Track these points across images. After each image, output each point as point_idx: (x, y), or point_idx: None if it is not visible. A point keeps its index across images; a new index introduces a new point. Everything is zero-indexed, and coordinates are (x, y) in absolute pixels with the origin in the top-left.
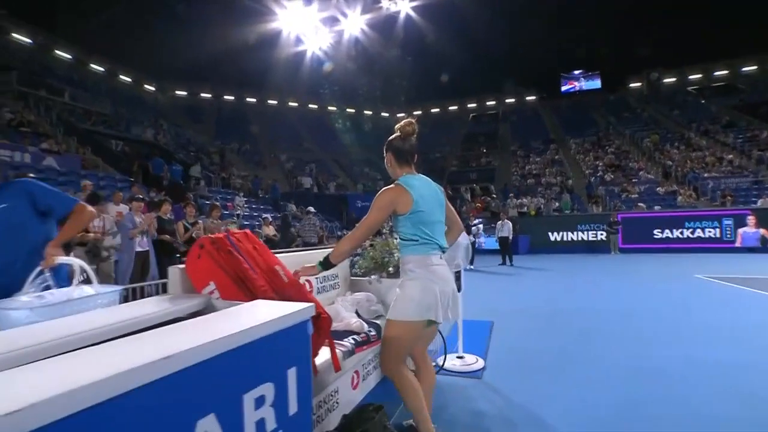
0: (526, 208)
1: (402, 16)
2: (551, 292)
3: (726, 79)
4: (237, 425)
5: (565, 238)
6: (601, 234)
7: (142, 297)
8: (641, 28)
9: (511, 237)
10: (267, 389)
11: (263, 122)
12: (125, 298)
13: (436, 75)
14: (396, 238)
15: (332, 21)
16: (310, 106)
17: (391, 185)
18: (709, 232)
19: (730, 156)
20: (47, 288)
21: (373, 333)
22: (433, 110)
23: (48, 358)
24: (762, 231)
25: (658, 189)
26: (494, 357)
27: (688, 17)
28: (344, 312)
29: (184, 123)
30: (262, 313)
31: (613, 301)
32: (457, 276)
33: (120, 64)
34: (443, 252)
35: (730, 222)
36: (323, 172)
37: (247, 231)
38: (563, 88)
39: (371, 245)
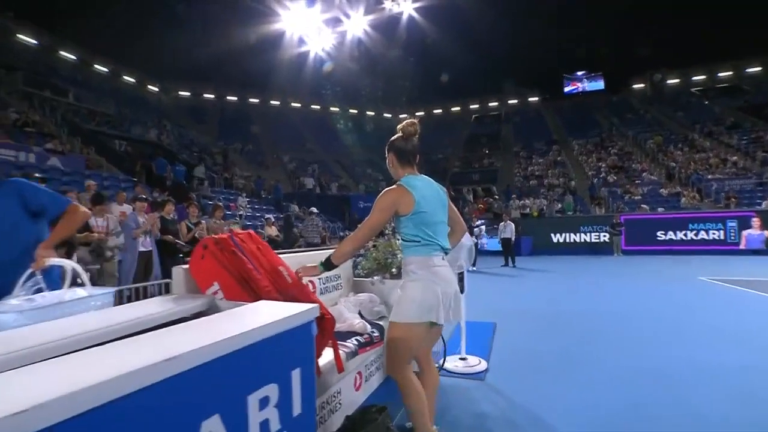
0: (528, 209)
1: (405, 17)
2: (554, 294)
3: (730, 80)
4: (241, 426)
5: (567, 240)
6: (604, 235)
7: (145, 297)
8: (644, 29)
9: (513, 238)
10: (271, 390)
11: (266, 123)
12: (128, 298)
13: (438, 76)
14: (398, 239)
15: (335, 22)
16: (313, 106)
17: (393, 186)
18: (713, 234)
19: (735, 157)
20: (39, 291)
21: (376, 334)
22: (435, 111)
23: (52, 358)
24: (767, 233)
25: (661, 190)
26: (497, 358)
27: (693, 18)
28: (347, 313)
29: (187, 123)
30: (267, 314)
31: (616, 302)
32: (460, 277)
33: (124, 64)
34: (446, 253)
35: (734, 224)
36: (326, 173)
37: (251, 231)
38: (566, 89)
39: (374, 246)
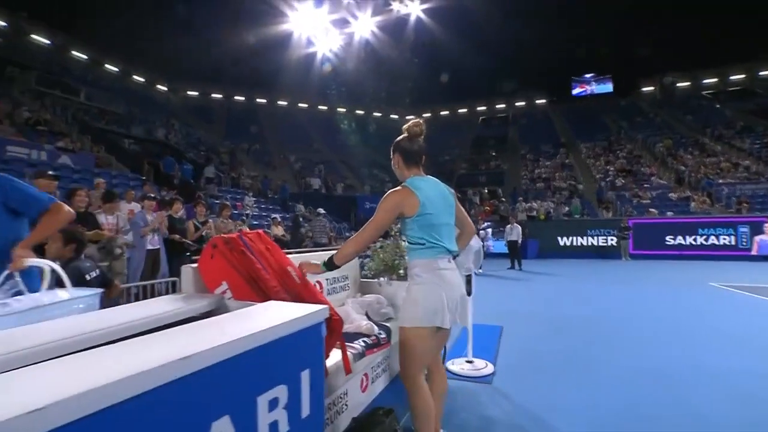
0: (535, 212)
1: (412, 18)
2: (561, 297)
3: (742, 83)
4: (251, 428)
5: (574, 243)
6: (612, 239)
7: (153, 294)
8: (654, 32)
9: (520, 241)
10: (281, 391)
11: (273, 123)
12: (136, 296)
13: (445, 77)
14: (404, 241)
15: (343, 23)
16: (320, 107)
17: (398, 187)
18: (724, 239)
19: (747, 162)
20: (18, 293)
21: (383, 335)
22: (442, 113)
23: (64, 356)
24: None
25: (670, 195)
26: (504, 362)
27: (704, 21)
28: (354, 314)
29: (195, 123)
30: (277, 315)
31: (624, 306)
32: (468, 280)
33: (133, 64)
34: (454, 256)
35: (745, 229)
36: (332, 173)
37: (260, 231)
38: (574, 92)
39: (381, 247)
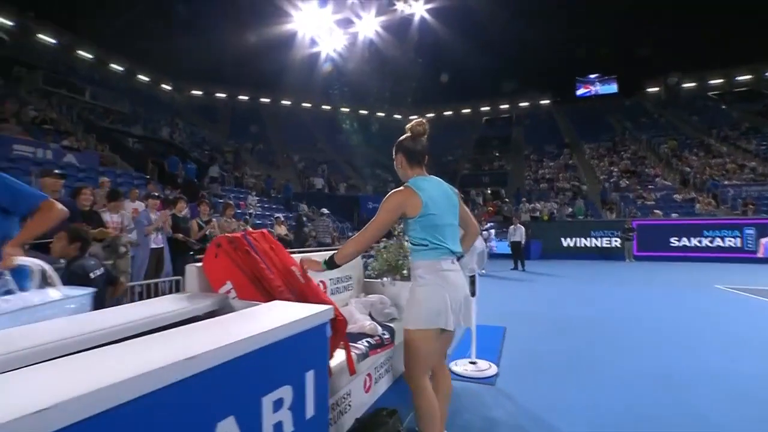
0: (538, 212)
1: (416, 18)
2: (564, 298)
3: (749, 84)
4: (255, 428)
5: (578, 244)
6: (615, 240)
7: (156, 293)
8: (659, 32)
9: (523, 242)
10: (285, 392)
11: (277, 122)
12: (140, 294)
13: (449, 77)
14: (407, 241)
15: (347, 23)
16: (324, 107)
17: (400, 187)
18: (729, 241)
19: (753, 163)
20: (9, 292)
21: (386, 336)
22: (446, 113)
23: (65, 356)
24: None
25: (675, 196)
26: (507, 363)
27: (710, 21)
28: (358, 314)
29: (199, 122)
30: (282, 315)
31: (628, 308)
32: (471, 281)
33: (139, 64)
34: (458, 257)
35: (752, 231)
36: (335, 173)
37: (264, 231)
38: (579, 92)
39: (384, 247)
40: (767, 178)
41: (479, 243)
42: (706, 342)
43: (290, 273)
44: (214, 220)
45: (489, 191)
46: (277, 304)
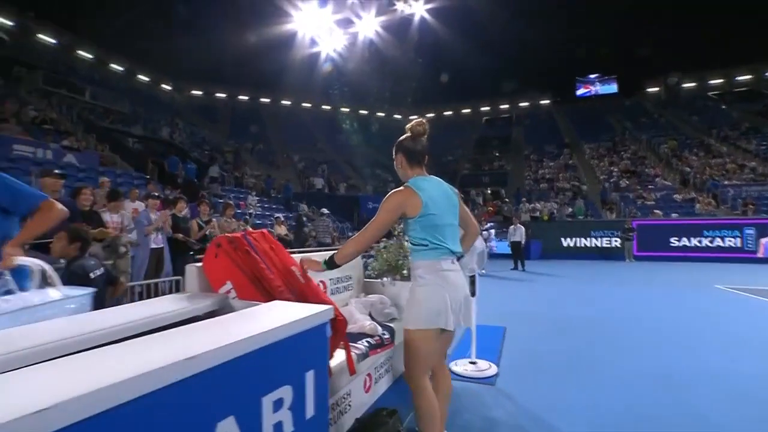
0: (538, 212)
1: (416, 18)
2: (564, 298)
3: (749, 84)
4: (255, 428)
5: (578, 244)
6: (615, 240)
7: (156, 293)
8: (659, 32)
9: (523, 242)
10: (285, 392)
11: (277, 122)
12: (140, 294)
13: (449, 77)
14: (407, 241)
15: (347, 23)
16: (324, 107)
17: (400, 188)
18: (729, 241)
19: (753, 163)
20: (9, 292)
21: (386, 336)
22: (446, 113)
23: (65, 356)
24: None
25: (675, 196)
26: (507, 363)
27: (709, 21)
28: (358, 314)
29: (199, 122)
30: (282, 315)
31: (628, 308)
32: (471, 280)
33: (139, 64)
34: (458, 257)
35: (751, 231)
36: (335, 173)
37: (264, 231)
38: (579, 92)
39: (384, 247)
40: (767, 178)
41: (479, 243)
42: (706, 342)
43: (290, 273)
44: (214, 220)
45: (489, 191)
46: (277, 304)
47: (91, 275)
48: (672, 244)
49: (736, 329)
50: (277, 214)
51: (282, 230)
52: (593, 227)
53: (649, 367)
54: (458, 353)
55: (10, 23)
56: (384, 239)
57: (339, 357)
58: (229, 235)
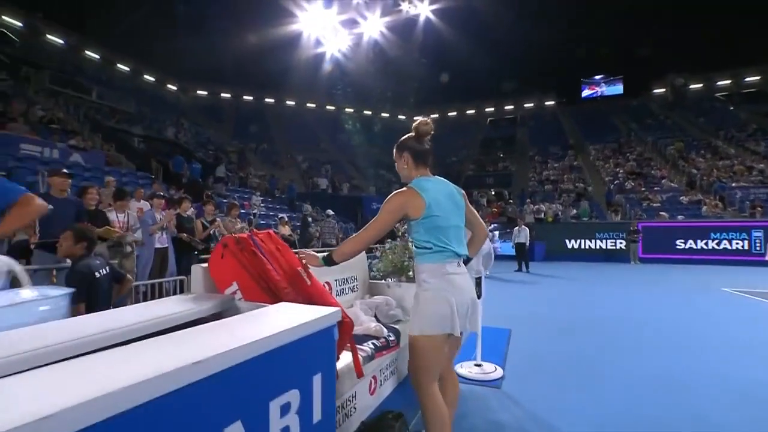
0: (543, 214)
1: (421, 19)
2: (569, 301)
3: (757, 85)
4: None
5: (582, 246)
6: (621, 242)
7: (161, 293)
8: (665, 33)
9: (528, 243)
10: (293, 396)
11: (281, 123)
12: (144, 294)
13: (453, 78)
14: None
15: (351, 23)
16: (328, 107)
17: (403, 188)
18: (737, 244)
19: (761, 165)
20: None
21: (392, 338)
22: (450, 114)
23: (69, 359)
24: None
25: (681, 198)
26: (513, 365)
27: (716, 22)
28: (363, 315)
29: (204, 122)
30: (289, 318)
31: (634, 310)
32: (478, 282)
33: (144, 64)
34: (465, 260)
35: (759, 234)
36: (339, 173)
37: (270, 231)
38: (584, 94)
39: (389, 248)
40: None
41: (485, 244)
42: (712, 345)
43: (297, 274)
44: (218, 220)
45: (493, 192)
46: (283, 306)
47: (97, 274)
48: (678, 247)
49: (743, 332)
50: (281, 215)
51: (286, 230)
52: (598, 229)
53: (655, 370)
54: (463, 355)
55: (18, 24)
56: (389, 240)
57: (345, 359)
58: (235, 235)
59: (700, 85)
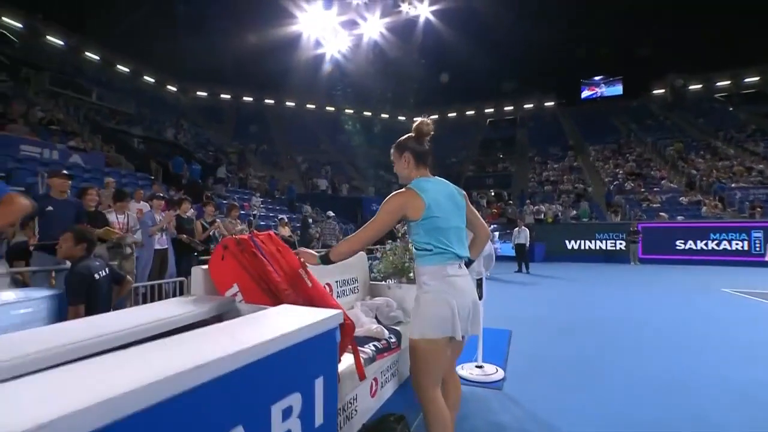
0: (543, 215)
1: (421, 20)
2: (570, 301)
3: (756, 86)
4: None
5: (582, 247)
6: (620, 243)
7: (161, 295)
8: (665, 34)
9: (528, 244)
10: (295, 400)
11: (281, 124)
12: (144, 296)
13: (453, 79)
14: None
15: (351, 24)
16: (328, 108)
17: (402, 189)
18: (737, 244)
19: (761, 166)
20: None
21: (393, 340)
22: (450, 115)
23: (69, 363)
24: None
25: (681, 199)
26: (514, 367)
27: (716, 23)
28: (364, 317)
29: (204, 123)
30: (291, 320)
31: (634, 311)
32: (479, 283)
33: (144, 65)
34: (466, 262)
35: (759, 234)
36: (339, 174)
37: (271, 232)
38: (584, 95)
39: (390, 249)
40: None
41: (486, 245)
42: (712, 346)
43: (297, 276)
44: (218, 221)
45: (493, 193)
46: (285, 309)
47: (96, 276)
48: (678, 247)
49: (743, 333)
50: (281, 216)
51: (286, 231)
52: (598, 230)
53: (655, 370)
54: (464, 357)
55: (18, 25)
56: (390, 241)
57: (346, 361)
58: (236, 236)
59: (700, 86)
